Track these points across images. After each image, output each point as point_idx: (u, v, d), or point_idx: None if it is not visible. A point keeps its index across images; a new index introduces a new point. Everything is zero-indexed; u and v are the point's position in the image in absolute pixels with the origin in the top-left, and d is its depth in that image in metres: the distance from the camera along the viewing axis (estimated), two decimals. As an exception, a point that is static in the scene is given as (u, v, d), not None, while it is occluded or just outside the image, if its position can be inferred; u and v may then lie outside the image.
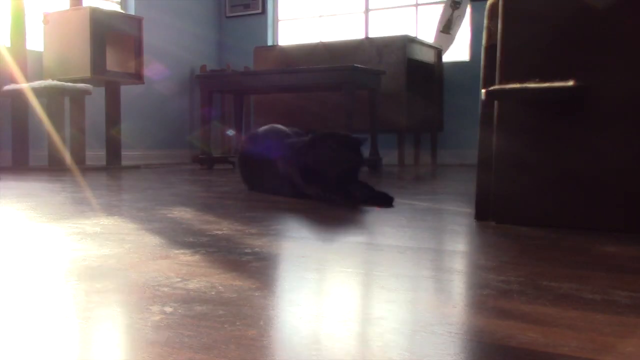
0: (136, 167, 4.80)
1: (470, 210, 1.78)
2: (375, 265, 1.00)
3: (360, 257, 1.07)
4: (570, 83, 1.40)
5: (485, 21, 1.61)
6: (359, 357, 0.57)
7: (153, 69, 5.73)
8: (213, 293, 0.80)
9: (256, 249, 1.14)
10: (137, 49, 4.75)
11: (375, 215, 1.69)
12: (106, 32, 4.48)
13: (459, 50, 5.68)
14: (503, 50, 1.53)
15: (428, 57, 5.28)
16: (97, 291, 0.81)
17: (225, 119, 6.09)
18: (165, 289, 0.82)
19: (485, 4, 1.65)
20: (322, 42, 5.28)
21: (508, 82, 1.49)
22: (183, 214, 1.70)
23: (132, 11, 5.72)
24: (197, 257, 1.06)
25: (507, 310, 0.73)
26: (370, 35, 5.59)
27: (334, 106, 4.96)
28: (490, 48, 1.59)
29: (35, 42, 4.87)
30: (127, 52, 4.72)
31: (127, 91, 5.41)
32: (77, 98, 4.58)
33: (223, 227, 1.43)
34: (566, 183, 1.45)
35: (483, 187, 1.59)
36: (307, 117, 5.06)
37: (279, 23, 6.70)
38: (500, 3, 1.53)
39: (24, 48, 4.50)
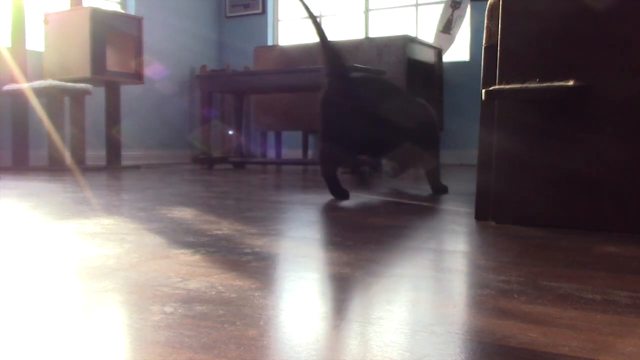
0: (136, 167, 4.80)
1: (470, 210, 1.78)
2: (376, 265, 1.00)
3: (360, 257, 1.07)
4: (570, 83, 1.40)
5: (485, 21, 1.61)
6: (359, 357, 0.57)
7: (153, 69, 5.73)
8: (213, 293, 0.80)
9: (256, 249, 1.14)
10: (137, 49, 4.75)
11: (375, 216, 1.69)
12: (106, 32, 4.48)
13: (459, 50, 5.68)
14: (503, 50, 1.53)
15: (428, 57, 5.28)
16: (97, 291, 0.81)
17: (225, 119, 6.09)
18: (165, 289, 0.82)
19: (485, 4, 1.64)
20: (322, 42, 5.27)
21: (508, 82, 1.49)
22: (183, 214, 1.70)
23: (132, 11, 5.72)
24: (197, 257, 1.06)
25: (507, 310, 0.73)
26: (370, 35, 5.59)
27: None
28: (490, 48, 1.59)
29: (35, 42, 4.87)
30: (127, 52, 4.72)
31: (127, 91, 5.41)
32: (77, 98, 4.58)
33: (223, 227, 1.43)
34: (566, 183, 1.45)
35: (483, 187, 1.59)
36: (307, 117, 5.06)
37: (279, 23, 6.70)
38: (500, 3, 1.53)
39: (24, 48, 4.50)
